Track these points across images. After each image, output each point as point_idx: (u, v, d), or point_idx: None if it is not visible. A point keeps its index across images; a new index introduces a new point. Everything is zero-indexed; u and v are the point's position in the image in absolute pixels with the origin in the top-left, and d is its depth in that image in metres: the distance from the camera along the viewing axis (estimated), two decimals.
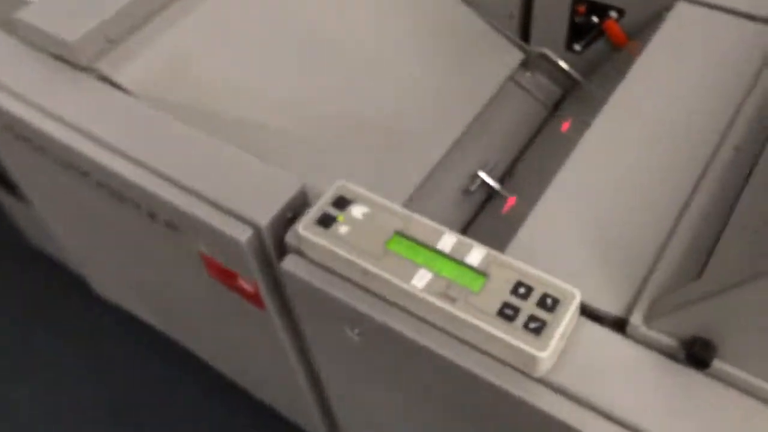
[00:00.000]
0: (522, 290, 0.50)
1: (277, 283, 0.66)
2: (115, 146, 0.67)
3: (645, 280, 0.52)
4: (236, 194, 0.62)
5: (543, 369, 0.48)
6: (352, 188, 0.57)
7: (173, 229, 0.67)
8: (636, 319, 0.49)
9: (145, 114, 0.70)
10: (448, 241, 0.53)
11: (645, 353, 0.49)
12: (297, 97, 0.81)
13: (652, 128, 0.63)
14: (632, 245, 0.55)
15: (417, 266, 0.52)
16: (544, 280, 0.50)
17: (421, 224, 0.54)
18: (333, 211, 0.56)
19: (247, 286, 0.67)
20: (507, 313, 0.49)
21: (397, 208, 0.56)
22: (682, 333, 0.47)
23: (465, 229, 0.81)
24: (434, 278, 0.51)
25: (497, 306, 0.49)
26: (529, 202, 0.72)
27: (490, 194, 0.82)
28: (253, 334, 0.76)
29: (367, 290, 0.55)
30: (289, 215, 0.62)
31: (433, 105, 0.84)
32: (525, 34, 0.94)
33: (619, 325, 0.51)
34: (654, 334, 0.49)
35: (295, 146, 0.78)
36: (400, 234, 0.54)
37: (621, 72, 0.79)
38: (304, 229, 0.55)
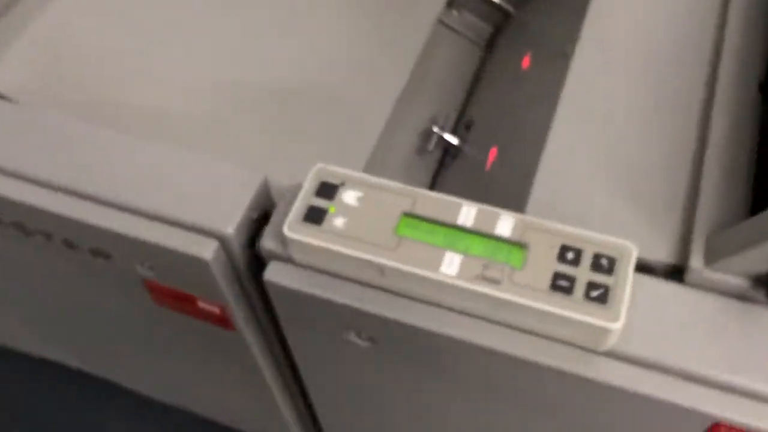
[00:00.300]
0: (570, 255, 0.43)
1: (247, 297, 0.55)
2: (10, 169, 0.53)
3: (689, 220, 0.46)
4: (184, 201, 0.50)
5: (612, 341, 0.42)
6: (336, 170, 0.47)
7: (105, 257, 0.55)
8: (696, 263, 0.44)
9: (39, 121, 0.55)
10: (468, 213, 0.45)
11: (713, 299, 0.43)
12: (211, 76, 0.69)
13: (641, 53, 0.57)
14: (659, 184, 0.49)
15: (440, 250, 0.44)
16: (592, 238, 0.43)
17: (432, 199, 0.46)
18: (320, 203, 0.46)
19: (210, 308, 0.56)
20: (562, 285, 0.42)
21: (397, 185, 0.46)
22: (757, 270, 0.42)
23: None
24: (466, 260, 0.43)
25: (548, 279, 0.42)
26: (508, 151, 0.65)
27: (446, 149, 0.75)
28: (219, 358, 0.65)
29: (380, 289, 0.46)
30: (255, 216, 0.51)
31: (368, 65, 0.74)
32: None
33: (673, 273, 0.45)
34: (720, 276, 0.43)
35: (222, 133, 0.66)
36: (409, 215, 0.45)
37: None
38: (291, 229, 0.45)
